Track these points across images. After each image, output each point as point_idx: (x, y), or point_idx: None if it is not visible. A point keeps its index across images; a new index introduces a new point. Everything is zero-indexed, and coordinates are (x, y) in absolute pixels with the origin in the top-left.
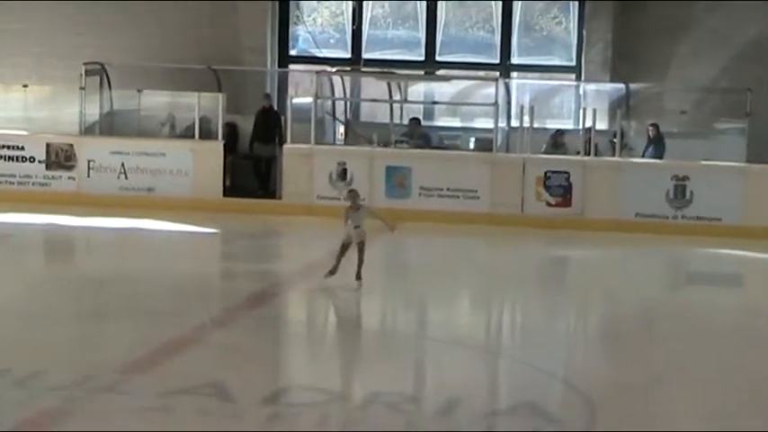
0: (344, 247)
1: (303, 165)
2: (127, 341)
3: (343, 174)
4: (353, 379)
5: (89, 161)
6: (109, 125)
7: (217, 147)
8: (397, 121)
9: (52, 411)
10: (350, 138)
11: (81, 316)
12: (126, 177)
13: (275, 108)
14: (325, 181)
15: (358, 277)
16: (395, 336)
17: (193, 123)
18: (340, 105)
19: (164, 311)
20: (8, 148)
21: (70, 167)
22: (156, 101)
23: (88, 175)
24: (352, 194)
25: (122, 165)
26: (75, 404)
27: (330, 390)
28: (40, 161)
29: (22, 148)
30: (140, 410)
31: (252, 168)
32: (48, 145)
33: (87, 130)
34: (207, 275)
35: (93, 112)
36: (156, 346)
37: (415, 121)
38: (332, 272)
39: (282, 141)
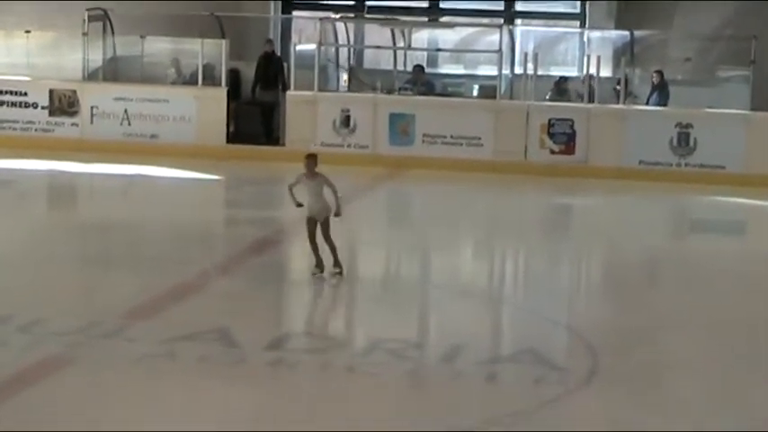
0: (310, 224)
1: (306, 112)
2: (130, 288)
3: (346, 121)
4: (356, 326)
5: (92, 107)
6: (112, 71)
7: (220, 93)
8: (400, 68)
9: (56, 357)
10: (353, 85)
11: (84, 262)
12: (129, 124)
13: (278, 54)
14: (328, 128)
15: (336, 264)
16: (398, 283)
17: (197, 70)
18: (343, 52)
19: (167, 258)
20: (11, 93)
21: (73, 114)
22: (159, 47)
23: (91, 122)
24: (311, 160)
25: (125, 111)
26: (79, 350)
27: (333, 336)
28: (43, 107)
29: (25, 94)
30: (144, 357)
31: (256, 115)
32: (51, 91)
33: (90, 77)
34: (210, 222)
35: (96, 59)
36: (159, 292)
37: (418, 68)
38: (318, 266)
39: (285, 87)
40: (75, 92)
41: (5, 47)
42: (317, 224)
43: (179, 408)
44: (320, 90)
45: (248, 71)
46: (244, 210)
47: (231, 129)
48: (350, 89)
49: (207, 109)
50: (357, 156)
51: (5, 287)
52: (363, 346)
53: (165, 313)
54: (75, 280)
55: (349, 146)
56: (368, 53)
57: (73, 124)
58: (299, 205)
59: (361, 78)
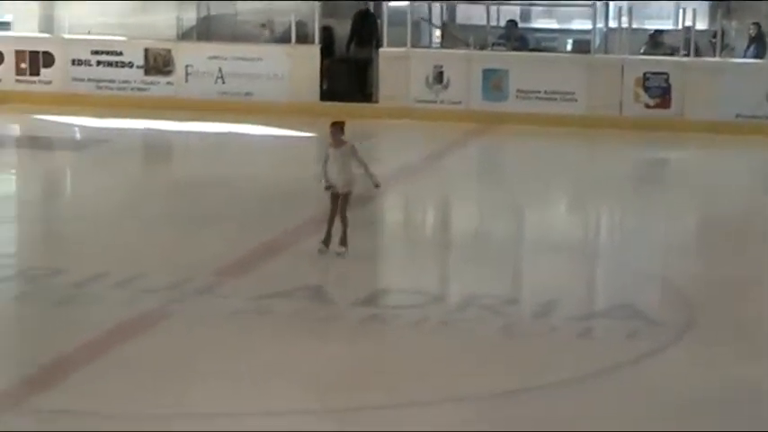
0: (334, 200)
1: (399, 68)
2: (224, 244)
3: (439, 77)
4: (450, 282)
5: (187, 66)
6: (206, 30)
7: (313, 51)
8: (493, 23)
9: (151, 313)
10: (446, 41)
11: (179, 220)
12: (223, 82)
13: (371, 11)
14: (421, 84)
15: (342, 242)
16: (491, 239)
17: (289, 28)
18: (436, 8)
19: (260, 215)
20: (107, 53)
21: (168, 73)
22: (252, 6)
23: (186, 81)
24: (336, 127)
25: (220, 70)
26: (173, 306)
27: (427, 292)
28: (138, 66)
29: (121, 54)
30: (237, 312)
31: (348, 72)
32: (146, 50)
33: (184, 36)
34: (303, 179)
35: (190, 17)
36: (252, 249)
37: (511, 23)
38: (325, 242)
39: (379, 44)
40: (169, 51)
41: (100, 7)
42: (338, 198)
43: (271, 363)
44: (413, 46)
45: (341, 28)
46: None
47: (324, 86)
48: (443, 45)
49: (300, 67)
50: (450, 111)
51: (102, 245)
52: (457, 302)
53: (257, 270)
54: (170, 237)
55: (442, 102)
56: (460, 8)
57: (168, 83)
58: (329, 188)
59: (454, 34)
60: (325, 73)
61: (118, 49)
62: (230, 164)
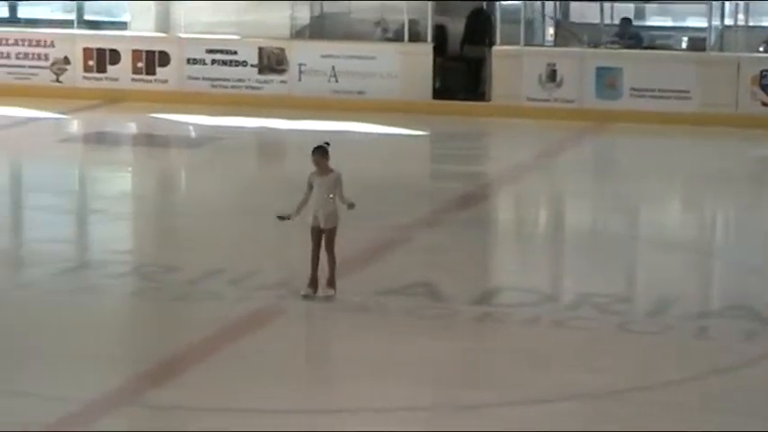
0: (315, 235)
1: (512, 66)
2: (337, 241)
3: (552, 75)
4: (563, 280)
5: (300, 65)
6: (319, 29)
7: (426, 49)
8: (607, 21)
9: (264, 310)
10: (560, 38)
11: None
12: (336, 80)
13: (485, 9)
14: (534, 82)
15: (330, 284)
16: (604, 237)
17: (402, 26)
18: (549, 6)
19: (374, 213)
20: (221, 52)
21: (281, 71)
22: (365, 4)
23: (299, 79)
24: (320, 153)
25: (332, 68)
26: (286, 303)
27: (540, 290)
28: (252, 65)
29: (235, 53)
30: (352, 309)
31: (461, 70)
32: (260, 49)
33: (297, 34)
34: (416, 177)
35: (304, 16)
36: (366, 246)
37: (626, 20)
38: (311, 285)
39: (492, 43)
40: (283, 50)
41: (215, 6)
42: (321, 233)
43: (384, 360)
44: (526, 44)
45: (454, 27)
46: (449, 165)
47: (437, 84)
48: (556, 43)
49: (413, 65)
50: (562, 110)
51: (216, 242)
52: (570, 301)
53: (371, 267)
54: (283, 235)
55: (555, 100)
56: (574, 6)
57: (281, 81)
58: (282, 218)
59: (569, 31)
60: (437, 71)
61: (232, 48)
62: (343, 162)
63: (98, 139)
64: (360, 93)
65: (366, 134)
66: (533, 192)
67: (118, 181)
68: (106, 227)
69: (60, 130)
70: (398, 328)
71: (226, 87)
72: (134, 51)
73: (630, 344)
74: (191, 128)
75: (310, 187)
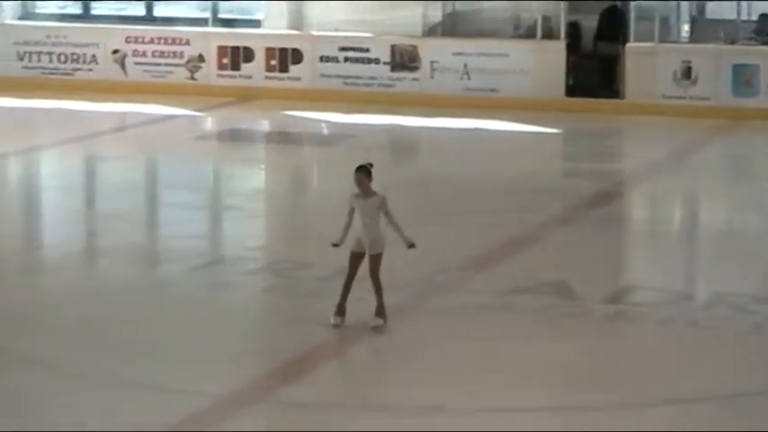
0: (354, 261)
1: (646, 63)
2: (469, 239)
3: (687, 72)
4: (697, 279)
5: (432, 62)
6: (451, 27)
7: (559, 46)
8: (744, 17)
9: (397, 307)
10: (695, 35)
11: (423, 214)
12: (468, 78)
13: (619, 7)
14: (669, 80)
15: (378, 313)
16: (739, 235)
17: (535, 23)
18: (685, 5)
19: (505, 210)
20: (354, 50)
21: (414, 68)
22: (497, 3)
23: (431, 76)
24: (362, 174)
25: (465, 65)
26: (419, 302)
27: (674, 289)
28: (384, 63)
29: (368, 50)
30: (483, 308)
31: (595, 67)
32: (392, 47)
33: (430, 32)
34: (548, 175)
35: (436, 14)
36: (498, 244)
37: (764, 17)
38: (339, 313)
39: (626, 40)
40: (415, 47)
41: (347, 4)
42: (361, 259)
43: (516, 359)
44: (660, 41)
45: (587, 24)
46: (582, 162)
47: (570, 81)
48: (691, 40)
49: (545, 62)
50: (698, 107)
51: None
52: (704, 300)
53: (503, 265)
54: (416, 232)
55: (690, 98)
56: (710, 3)
57: (413, 79)
58: (335, 245)
59: (702, 29)
60: (570, 68)
61: (365, 46)
62: (475, 160)
63: (232, 137)
64: (492, 90)
65: (498, 132)
66: (667, 190)
67: (251, 178)
68: (240, 223)
69: (195, 128)
70: (530, 327)
71: (358, 85)
72: (267, 49)
73: (766, 344)
74: (323, 125)
75: (352, 210)
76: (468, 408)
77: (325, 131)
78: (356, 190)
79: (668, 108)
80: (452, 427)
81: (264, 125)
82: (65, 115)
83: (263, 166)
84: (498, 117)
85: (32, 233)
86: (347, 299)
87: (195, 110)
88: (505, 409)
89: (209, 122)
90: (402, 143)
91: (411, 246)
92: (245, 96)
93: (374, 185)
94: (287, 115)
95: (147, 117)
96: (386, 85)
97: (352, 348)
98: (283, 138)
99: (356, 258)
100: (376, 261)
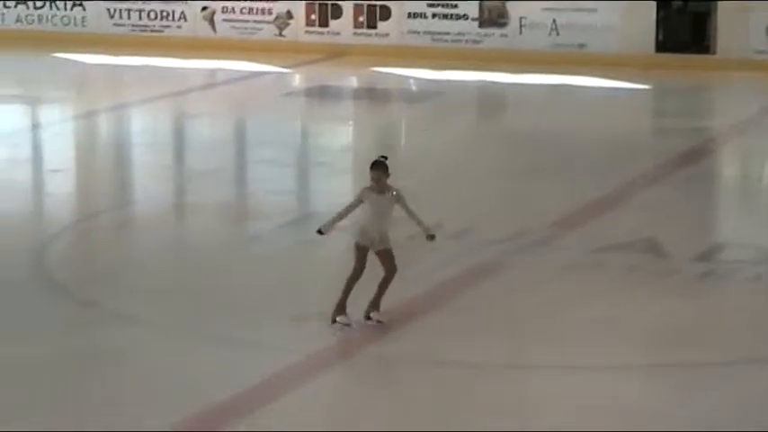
0: (363, 256)
1: (739, 19)
2: (558, 197)
3: None
4: None
5: (521, 18)
6: None
7: (649, 2)
8: None
9: (486, 265)
10: None
11: (512, 172)
12: (557, 34)
13: None
14: (761, 35)
15: (374, 306)
16: None
17: None
18: None
19: (594, 168)
20: (442, 6)
21: (502, 25)
22: None
23: (520, 32)
24: (380, 171)
25: (554, 21)
26: (509, 258)
27: (765, 247)
28: (473, 19)
29: (456, 7)
30: (572, 266)
31: (685, 23)
32: (481, 3)
33: None
34: (637, 132)
35: None
36: (587, 202)
37: None
38: (336, 313)
39: None
40: (504, 3)
41: None
42: (367, 254)
43: (605, 316)
44: None
45: None
46: (672, 119)
47: (660, 37)
48: None
49: (635, 18)
50: None
51: (437, 196)
52: None
53: (592, 223)
54: (504, 189)
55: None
56: None
57: (502, 35)
58: (320, 233)
59: None
60: (660, 24)
61: (453, 2)
62: (564, 116)
63: (320, 94)
64: (581, 46)
65: (587, 88)
66: (759, 147)
67: (339, 135)
68: (328, 180)
69: (283, 85)
70: (620, 285)
71: (446, 41)
72: (356, 6)
73: None
74: (411, 82)
75: (359, 202)
76: (556, 364)
77: (413, 88)
78: (371, 183)
79: (760, 64)
80: (539, 383)
81: (352, 82)
82: (154, 72)
83: (350, 123)
84: (587, 73)
85: (123, 190)
86: (348, 295)
87: (283, 67)
88: (597, 368)
89: (297, 79)
90: (490, 100)
91: (431, 237)
92: (333, 53)
93: (459, 142)
94: (375, 72)
95: (235, 74)
96: (474, 42)
97: (442, 305)
98: (371, 94)
99: (362, 251)
100: (390, 256)
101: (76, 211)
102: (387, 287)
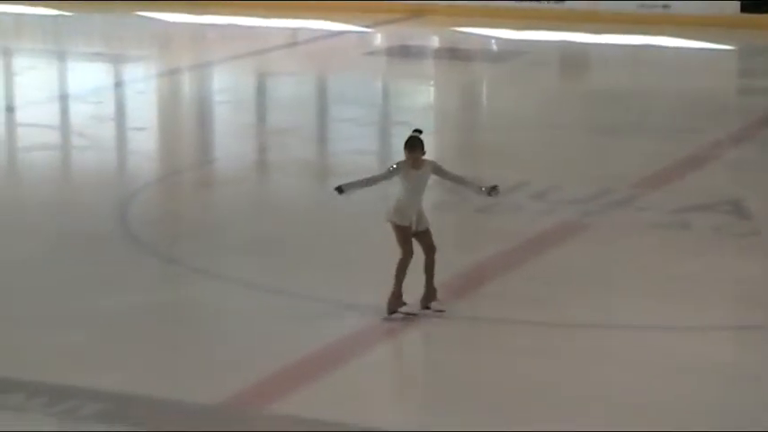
0: (405, 237)
1: None
2: (642, 157)
3: None
4: None
5: None
6: None
7: None
8: None
9: (569, 224)
10: None
11: (595, 131)
12: None
13: None
14: None
15: (430, 297)
16: None
17: None
18: None
19: (679, 128)
20: None
21: None
22: None
23: None
24: (417, 151)
25: None
26: (592, 218)
27: None
28: None
29: None
30: (656, 226)
31: None
32: None
33: None
34: (722, 92)
35: None
36: (671, 162)
37: None
38: (395, 304)
39: None
40: None
41: None
42: (411, 236)
43: (690, 278)
44: None
45: None
46: (758, 79)
47: None
48: None
49: None
50: None
51: (520, 155)
52: None
53: (676, 183)
54: (587, 148)
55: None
56: None
57: None
58: (339, 190)
59: None
60: None
61: None
62: (647, 76)
63: (402, 53)
64: (665, 6)
65: (671, 48)
66: None
67: (421, 94)
68: None
69: (365, 44)
70: (705, 246)
71: (529, 1)
72: None
73: None
74: (494, 42)
75: (390, 174)
76: (641, 325)
77: (496, 48)
78: (406, 158)
79: None
80: (623, 343)
81: (434, 41)
82: (236, 31)
83: (432, 83)
84: (671, 33)
85: (206, 148)
86: (402, 285)
87: (365, 26)
88: (679, 328)
89: (379, 38)
90: (574, 60)
91: (493, 189)
92: (416, 12)
93: (542, 102)
94: (456, 31)
95: (316, 33)
96: (558, 1)
97: (522, 265)
98: (453, 54)
99: (404, 232)
100: (430, 235)
101: (159, 169)
102: (434, 269)
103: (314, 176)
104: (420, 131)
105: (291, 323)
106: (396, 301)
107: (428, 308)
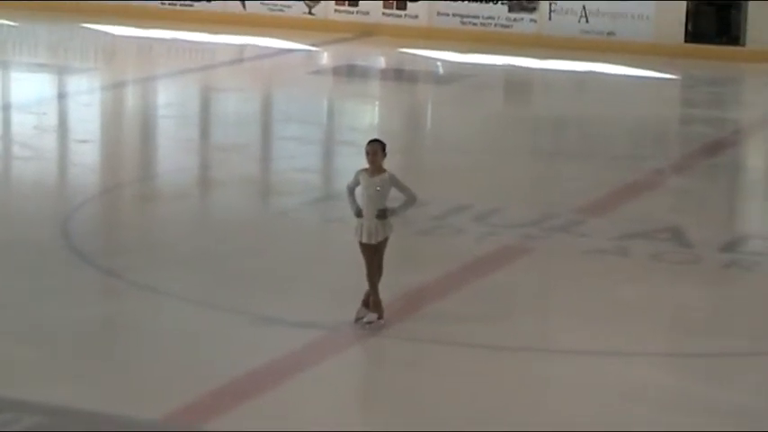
0: (370, 252)
1: None
2: (584, 183)
3: None
4: None
5: (551, 4)
6: None
7: None
8: None
9: (510, 248)
10: None
11: (538, 156)
12: (587, 21)
13: None
14: None
15: (366, 304)
16: None
17: None
18: None
19: (620, 155)
20: None
21: (532, 10)
22: None
23: (549, 18)
24: (376, 147)
25: (583, 8)
26: (534, 242)
27: None
28: (502, 3)
29: None
30: (596, 252)
31: (715, 14)
32: None
33: None
34: (665, 121)
35: None
36: (612, 188)
37: None
38: (377, 308)
39: None
40: None
41: None
42: (374, 250)
43: (628, 304)
44: None
45: None
46: (699, 109)
47: (689, 27)
48: None
49: (665, 7)
50: None
51: (462, 178)
52: None
53: (617, 210)
54: (530, 173)
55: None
56: None
57: (531, 20)
58: (359, 214)
59: None
60: (690, 14)
61: None
62: (591, 103)
63: (348, 72)
64: (610, 34)
65: (615, 76)
66: None
67: (366, 114)
68: (354, 159)
69: (311, 63)
70: (643, 272)
71: (475, 24)
72: None
73: None
74: (439, 64)
75: (356, 183)
76: (571, 350)
77: (441, 70)
78: (367, 164)
79: None
80: (563, 368)
81: (380, 62)
82: (182, 46)
83: (377, 103)
84: (616, 61)
85: (149, 162)
86: (377, 290)
87: (312, 45)
88: (619, 353)
89: (326, 57)
90: (518, 84)
91: (393, 213)
92: (362, 32)
93: (486, 125)
94: (403, 53)
95: (263, 50)
96: (503, 26)
97: (463, 287)
98: (399, 75)
99: (369, 249)
100: (381, 247)
101: (102, 182)
102: (378, 268)
103: (257, 194)
104: (382, 142)
105: (232, 339)
106: (376, 308)
107: (366, 306)
